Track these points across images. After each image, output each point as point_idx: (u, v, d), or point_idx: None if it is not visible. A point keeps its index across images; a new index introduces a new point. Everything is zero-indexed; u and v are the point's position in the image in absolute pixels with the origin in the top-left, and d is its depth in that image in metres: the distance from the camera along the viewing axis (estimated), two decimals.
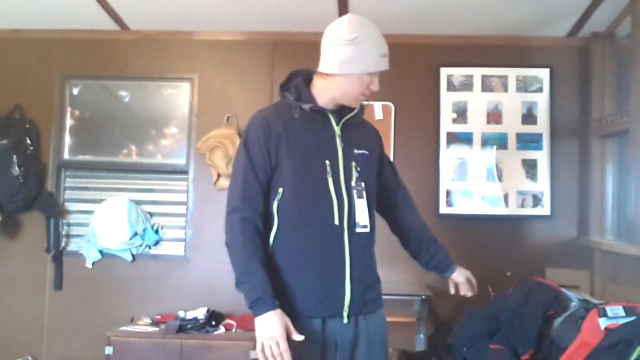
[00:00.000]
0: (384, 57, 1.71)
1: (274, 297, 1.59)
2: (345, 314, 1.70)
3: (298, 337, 1.58)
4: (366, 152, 1.81)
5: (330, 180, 1.71)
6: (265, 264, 1.66)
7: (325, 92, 1.75)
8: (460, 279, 1.95)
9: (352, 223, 1.71)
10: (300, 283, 1.69)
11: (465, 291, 1.96)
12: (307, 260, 1.68)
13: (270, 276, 1.64)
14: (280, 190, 1.69)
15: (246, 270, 1.62)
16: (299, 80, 1.78)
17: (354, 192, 1.72)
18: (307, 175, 1.70)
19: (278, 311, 1.58)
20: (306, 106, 1.72)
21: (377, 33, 1.72)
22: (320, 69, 1.74)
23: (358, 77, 1.71)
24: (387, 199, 1.94)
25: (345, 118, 1.78)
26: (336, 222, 1.69)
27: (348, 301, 1.69)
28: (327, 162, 1.72)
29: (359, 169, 1.76)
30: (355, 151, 1.78)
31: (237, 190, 1.69)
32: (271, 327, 1.55)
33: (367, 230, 1.75)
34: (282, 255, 1.71)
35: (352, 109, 1.80)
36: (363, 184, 1.75)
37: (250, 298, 1.59)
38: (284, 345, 1.54)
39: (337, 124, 1.77)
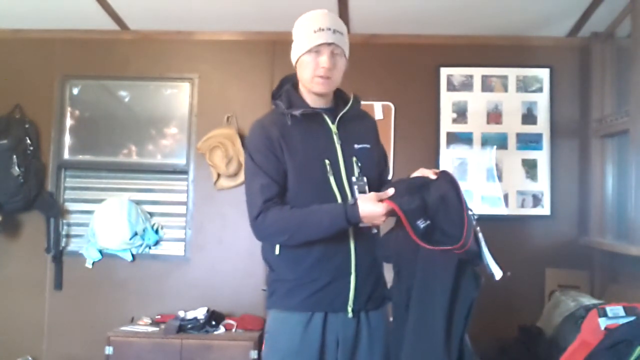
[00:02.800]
0: (319, 31, 1.70)
1: (345, 201, 1.68)
2: (349, 309, 1.71)
3: (389, 192, 1.64)
4: (367, 145, 1.81)
5: (331, 178, 1.72)
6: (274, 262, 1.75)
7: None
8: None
9: None
10: (305, 278, 1.71)
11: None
12: (312, 258, 1.70)
13: (278, 273, 1.73)
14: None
15: (314, 218, 1.64)
16: (288, 87, 1.81)
17: (355, 187, 1.73)
18: (309, 177, 1.72)
19: (358, 200, 1.63)
20: (296, 112, 1.73)
21: (311, 17, 1.74)
22: None
23: (301, 62, 1.74)
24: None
25: (340, 114, 1.78)
26: None
27: (353, 295, 1.71)
28: (327, 161, 1.73)
29: (359, 164, 1.76)
30: (356, 146, 1.78)
31: (257, 200, 1.69)
32: (371, 210, 1.61)
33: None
34: (288, 255, 1.73)
35: (346, 105, 1.80)
36: (365, 179, 1.75)
37: (339, 216, 1.62)
38: (383, 211, 1.60)
39: (333, 122, 1.78)
